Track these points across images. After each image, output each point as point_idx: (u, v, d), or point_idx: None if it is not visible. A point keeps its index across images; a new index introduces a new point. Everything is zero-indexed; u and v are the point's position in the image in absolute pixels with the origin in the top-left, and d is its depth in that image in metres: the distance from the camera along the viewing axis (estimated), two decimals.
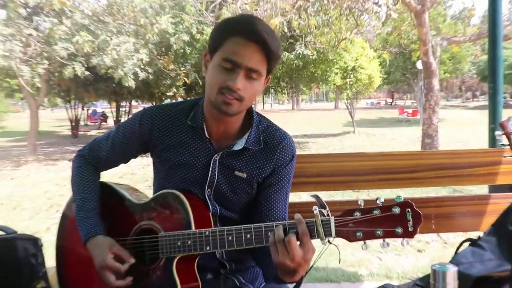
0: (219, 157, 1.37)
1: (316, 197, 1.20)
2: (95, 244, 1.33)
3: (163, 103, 1.56)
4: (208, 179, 1.37)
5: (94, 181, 1.45)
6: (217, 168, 1.37)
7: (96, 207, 1.41)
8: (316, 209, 1.16)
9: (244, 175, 1.38)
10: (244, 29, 1.24)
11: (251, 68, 1.25)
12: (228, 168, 1.38)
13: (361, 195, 5.94)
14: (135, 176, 8.64)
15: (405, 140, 15.14)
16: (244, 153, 1.38)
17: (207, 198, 1.38)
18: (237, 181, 1.38)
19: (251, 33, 1.24)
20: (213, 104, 1.29)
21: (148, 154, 1.48)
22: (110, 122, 27.99)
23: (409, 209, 1.12)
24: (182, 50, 14.49)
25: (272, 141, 1.41)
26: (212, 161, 1.37)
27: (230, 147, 1.37)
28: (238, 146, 1.37)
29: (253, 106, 1.40)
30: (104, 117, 28.93)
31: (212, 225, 1.34)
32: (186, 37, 13.01)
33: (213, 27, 1.30)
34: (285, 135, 1.44)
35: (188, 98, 1.50)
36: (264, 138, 1.40)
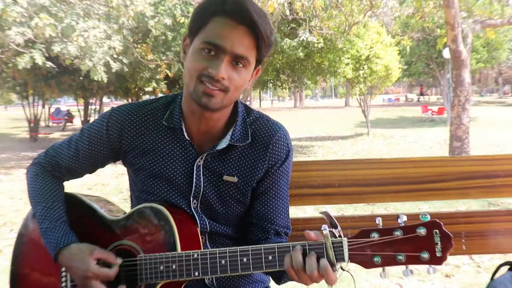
0: (202, 160, 1.39)
1: (326, 214, 1.19)
2: (70, 255, 1.33)
3: (139, 100, 1.57)
4: (193, 188, 1.38)
5: (57, 190, 1.45)
6: (202, 174, 1.39)
7: (63, 216, 1.41)
8: (325, 229, 1.16)
9: (235, 179, 1.39)
10: (231, 9, 1.25)
11: (237, 55, 1.26)
12: (215, 173, 1.39)
13: (377, 210, 5.95)
14: (107, 187, 8.62)
15: (429, 143, 15.20)
16: (231, 152, 1.40)
17: (193, 211, 1.39)
18: (227, 188, 1.40)
19: (239, 13, 1.24)
20: (192, 96, 1.29)
21: (121, 162, 1.49)
22: (77, 122, 27.95)
23: (437, 230, 1.11)
24: (163, 37, 14.48)
25: (263, 135, 1.42)
26: (195, 167, 1.38)
27: (214, 147, 1.38)
28: (223, 144, 1.38)
29: (248, 103, 1.42)
30: (69, 116, 28.87)
31: (201, 245, 1.34)
32: (168, 21, 13.03)
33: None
34: (278, 126, 1.45)
35: (170, 94, 1.51)
36: (253, 132, 1.42)
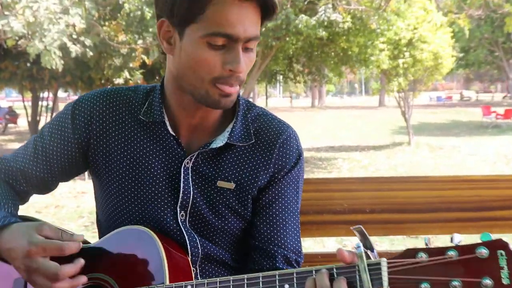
0: (192, 162, 1.44)
1: (359, 231, 1.21)
2: (10, 237, 1.33)
3: (109, 87, 1.61)
4: (180, 196, 1.43)
5: (7, 194, 1.49)
6: (190, 178, 1.44)
7: (10, 207, 1.45)
8: (359, 246, 1.17)
9: (232, 185, 1.45)
10: None
11: (251, 38, 1.33)
12: (207, 177, 1.44)
13: (420, 244, 5.92)
14: (63, 210, 8.64)
15: (493, 157, 15.17)
16: (228, 152, 1.46)
17: (181, 226, 1.44)
18: (222, 196, 1.45)
19: None
20: (204, 100, 1.36)
21: (83, 175, 1.51)
22: (23, 123, 27.97)
23: (503, 252, 1.11)
24: (139, 12, 14.53)
25: (268, 134, 1.49)
26: (182, 169, 1.43)
27: (207, 145, 1.43)
28: (219, 142, 1.44)
29: (250, 99, 1.45)
30: (12, 115, 28.95)
31: (192, 275, 1.38)
32: None
33: None
34: (285, 125, 1.52)
35: (148, 85, 1.55)
36: (256, 131, 1.49)
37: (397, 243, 5.95)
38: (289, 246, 1.47)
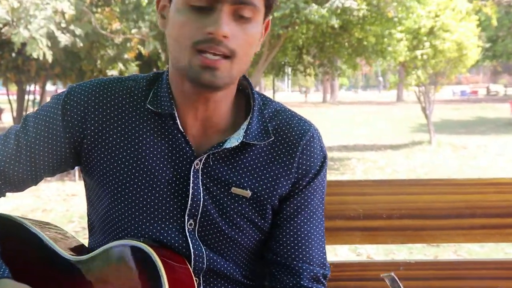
0: (202, 163, 1.40)
1: (391, 279, 1.19)
2: None
3: (105, 77, 1.58)
4: (189, 203, 1.40)
5: None
6: (200, 183, 1.40)
7: None
8: None
9: (248, 193, 1.42)
10: None
11: (240, 0, 1.29)
12: (220, 182, 1.41)
13: (443, 253, 5.92)
14: (51, 214, 8.64)
15: None
16: (243, 154, 1.42)
17: (188, 236, 1.40)
18: (236, 204, 1.42)
19: None
20: (188, 73, 1.31)
21: (73, 175, 1.49)
22: (7, 119, 28.08)
23: None
24: None
25: (288, 134, 1.46)
26: (192, 172, 1.40)
27: (220, 145, 1.40)
28: (233, 141, 1.40)
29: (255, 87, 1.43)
30: None
31: None
32: None
33: None
34: (308, 123, 1.50)
35: (152, 72, 1.54)
36: (275, 130, 1.45)
37: (416, 252, 5.94)
38: (314, 259, 1.45)
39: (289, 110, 1.51)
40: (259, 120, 1.44)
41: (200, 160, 1.39)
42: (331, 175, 12.33)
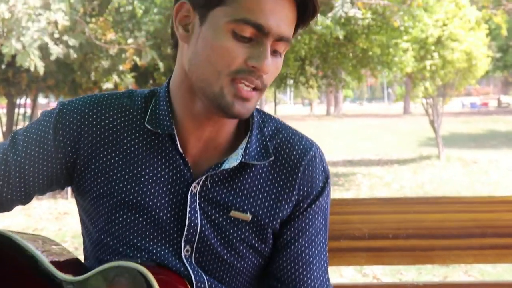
0: (199, 187, 1.40)
1: None
2: None
3: (99, 93, 1.57)
4: (186, 228, 1.39)
5: None
6: (198, 207, 1.40)
7: None
8: None
9: (248, 217, 1.41)
10: None
11: (282, 37, 1.31)
12: (218, 205, 1.41)
13: (453, 274, 5.89)
14: (43, 233, 8.60)
15: None
16: (242, 175, 1.42)
17: (186, 263, 1.40)
18: (236, 228, 1.41)
19: None
20: (216, 100, 1.31)
21: (65, 193, 1.48)
22: None
23: None
24: (129, 7, 14.61)
25: (289, 153, 1.46)
26: (189, 195, 1.39)
27: (218, 166, 1.39)
28: (232, 162, 1.40)
29: (257, 106, 1.44)
30: None
31: None
32: None
33: None
34: (310, 142, 1.50)
35: (148, 89, 1.53)
36: (275, 149, 1.45)
37: (425, 273, 5.92)
38: (317, 285, 1.45)
39: (290, 128, 1.50)
40: (258, 139, 1.44)
41: (198, 183, 1.39)
42: (335, 192, 12.31)
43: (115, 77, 16.13)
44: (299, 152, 1.46)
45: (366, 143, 24.62)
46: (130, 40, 14.38)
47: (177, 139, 1.38)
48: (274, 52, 1.32)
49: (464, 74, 16.89)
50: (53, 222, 9.42)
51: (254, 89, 1.31)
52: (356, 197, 11.23)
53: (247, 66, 1.28)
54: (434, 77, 16.38)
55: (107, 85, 16.61)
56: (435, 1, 14.38)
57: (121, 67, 15.49)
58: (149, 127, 1.39)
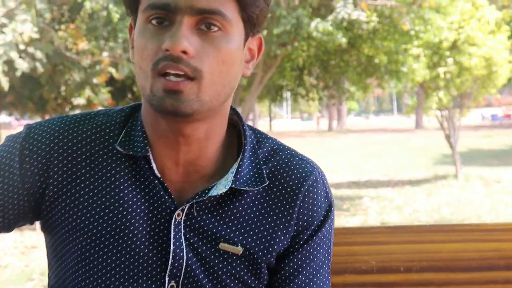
0: (184, 214, 1.39)
1: None
2: None
3: (76, 113, 1.56)
4: (170, 262, 1.38)
5: None
6: (183, 238, 1.39)
7: None
8: None
9: (239, 250, 1.40)
10: None
11: (202, 9, 1.28)
12: (206, 236, 1.40)
13: None
14: (7, 270, 8.61)
15: None
16: (233, 202, 1.41)
17: None
18: (226, 263, 1.40)
19: None
20: (152, 101, 1.30)
21: (33, 226, 1.47)
22: None
23: None
24: (104, 13, 14.65)
25: (287, 178, 1.45)
26: (172, 225, 1.38)
27: (205, 193, 1.38)
28: (220, 187, 1.39)
29: (250, 123, 1.43)
30: None
31: None
32: None
33: None
34: (310, 165, 1.49)
35: (129, 105, 1.52)
36: (271, 173, 1.45)
37: None
38: None
39: (289, 148, 1.50)
40: (252, 161, 1.43)
41: (182, 211, 1.38)
42: (339, 217, 12.31)
43: (88, 92, 16.16)
44: (298, 176, 1.45)
45: (373, 162, 24.66)
46: (105, 50, 14.38)
47: (152, 162, 1.38)
48: (208, 31, 1.29)
49: (484, 82, 16.93)
50: (19, 258, 9.38)
51: (188, 78, 1.27)
52: (362, 224, 11.23)
53: (162, 52, 1.27)
54: (449, 86, 16.43)
55: (79, 101, 16.65)
56: (449, 0, 14.48)
57: (95, 80, 15.52)
58: (120, 150, 1.38)
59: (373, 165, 23.52)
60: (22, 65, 11.97)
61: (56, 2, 14.17)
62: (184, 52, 1.26)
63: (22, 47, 12.46)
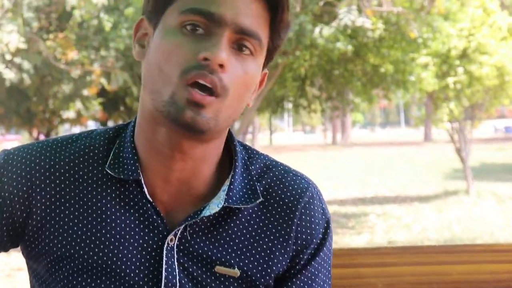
0: (177, 239, 1.38)
1: None
2: None
3: (58, 136, 1.55)
4: None
5: None
6: (176, 263, 1.38)
7: None
8: None
9: (236, 272, 1.40)
10: None
11: (244, 29, 1.29)
12: (200, 259, 1.39)
13: None
14: None
15: None
16: (227, 222, 1.41)
17: None
18: (223, 286, 1.40)
19: None
20: (165, 111, 1.29)
21: (16, 249, 1.47)
22: None
23: None
24: (95, 22, 14.68)
25: (282, 195, 1.46)
26: (164, 251, 1.38)
27: (198, 213, 1.38)
28: (213, 207, 1.39)
29: (249, 137, 1.42)
30: None
31: None
32: None
33: None
34: (305, 180, 1.50)
35: (108, 124, 1.50)
36: (265, 190, 1.45)
37: None
38: None
39: (281, 164, 1.51)
40: (244, 178, 1.43)
41: (175, 235, 1.38)
42: (345, 236, 12.30)
43: (78, 104, 16.17)
44: (293, 193, 1.45)
45: (380, 177, 24.66)
46: (96, 60, 14.39)
47: (144, 186, 1.37)
48: (240, 49, 1.31)
49: (496, 92, 16.93)
50: (4, 281, 9.36)
51: (211, 94, 1.27)
52: (368, 243, 11.20)
53: (198, 60, 1.26)
54: (459, 96, 16.44)
55: (68, 114, 16.67)
56: (459, 6, 14.50)
57: (85, 92, 15.53)
58: (111, 173, 1.38)
59: (380, 181, 23.52)
60: (9, 76, 11.97)
61: (44, 11, 14.19)
62: (221, 65, 1.26)
63: (8, 57, 12.48)
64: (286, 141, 57.16)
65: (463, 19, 15.63)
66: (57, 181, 1.40)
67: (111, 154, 1.41)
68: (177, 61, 1.28)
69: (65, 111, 16.32)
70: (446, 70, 15.99)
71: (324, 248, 1.47)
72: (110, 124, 21.80)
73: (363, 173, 26.10)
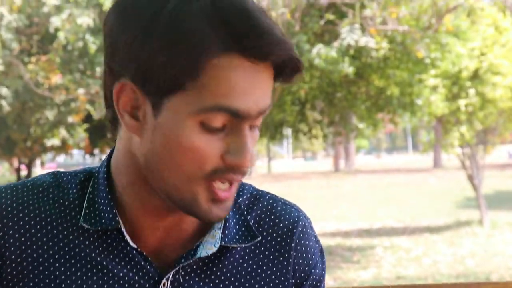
0: (169, 283, 1.38)
1: None
2: None
3: (24, 180, 1.48)
4: None
5: None
6: None
7: None
8: None
9: None
10: (251, 45, 1.22)
11: (262, 112, 1.28)
12: None
13: None
14: None
15: None
16: (222, 260, 1.41)
17: None
18: None
19: (263, 47, 1.23)
20: (189, 209, 1.29)
21: None
22: None
23: None
24: (80, 44, 14.69)
25: (275, 225, 1.47)
26: None
27: (191, 254, 1.37)
28: (209, 247, 1.38)
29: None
30: None
31: None
32: (89, 17, 13.19)
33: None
34: (294, 209, 1.51)
35: (94, 152, 1.49)
36: (257, 223, 1.46)
37: None
38: None
39: (267, 193, 1.51)
40: (235, 212, 1.43)
41: (168, 279, 1.37)
42: (349, 271, 12.24)
43: (62, 132, 16.11)
44: (286, 223, 1.46)
45: (387, 207, 24.58)
46: (81, 84, 14.37)
47: (125, 234, 1.35)
48: (253, 127, 1.30)
49: (510, 115, 16.93)
50: None
51: (232, 183, 1.28)
52: (375, 278, 11.12)
53: (224, 164, 1.25)
54: (471, 120, 16.43)
55: (52, 142, 16.62)
56: (469, 24, 14.50)
57: (70, 119, 15.47)
58: (86, 226, 1.35)
59: (387, 211, 23.46)
60: None
61: (24, 32, 14.18)
62: (248, 165, 1.27)
63: None
64: (286, 168, 56.92)
65: (474, 38, 15.63)
66: (33, 230, 1.37)
67: (84, 202, 1.38)
68: (201, 163, 1.24)
69: (49, 139, 16.25)
70: (457, 92, 16.00)
71: (321, 278, 1.50)
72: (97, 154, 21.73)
73: (369, 203, 26.04)
